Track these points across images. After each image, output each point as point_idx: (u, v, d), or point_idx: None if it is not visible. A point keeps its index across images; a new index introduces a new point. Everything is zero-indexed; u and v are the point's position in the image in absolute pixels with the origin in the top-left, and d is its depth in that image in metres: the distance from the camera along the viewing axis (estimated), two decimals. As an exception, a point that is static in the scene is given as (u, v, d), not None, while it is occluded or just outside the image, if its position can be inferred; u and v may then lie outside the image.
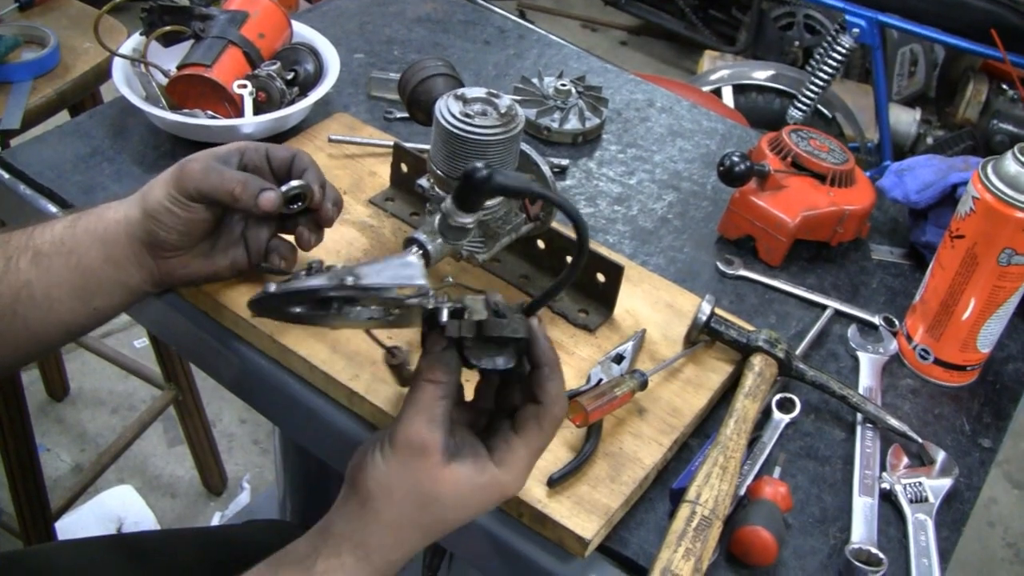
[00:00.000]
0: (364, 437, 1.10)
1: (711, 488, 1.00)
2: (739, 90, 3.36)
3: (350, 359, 1.12)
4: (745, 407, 1.11)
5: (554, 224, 1.21)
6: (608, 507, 1.01)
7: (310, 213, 1.13)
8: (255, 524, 1.66)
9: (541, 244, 1.24)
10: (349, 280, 0.89)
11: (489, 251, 1.15)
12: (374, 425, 1.10)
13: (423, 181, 1.18)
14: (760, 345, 1.18)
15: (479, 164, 0.93)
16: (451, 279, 1.21)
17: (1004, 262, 1.16)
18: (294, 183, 1.10)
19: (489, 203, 1.12)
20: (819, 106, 3.21)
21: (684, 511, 0.98)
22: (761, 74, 3.35)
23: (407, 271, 0.92)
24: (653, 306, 1.24)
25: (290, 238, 1.16)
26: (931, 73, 4.00)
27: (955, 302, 1.21)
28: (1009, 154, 1.16)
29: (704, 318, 1.18)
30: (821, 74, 3.04)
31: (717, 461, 1.03)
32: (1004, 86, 3.61)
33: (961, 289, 1.20)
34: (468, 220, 1.05)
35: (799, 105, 3.08)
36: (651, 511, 1.06)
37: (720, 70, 3.41)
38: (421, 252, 1.08)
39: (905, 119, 3.53)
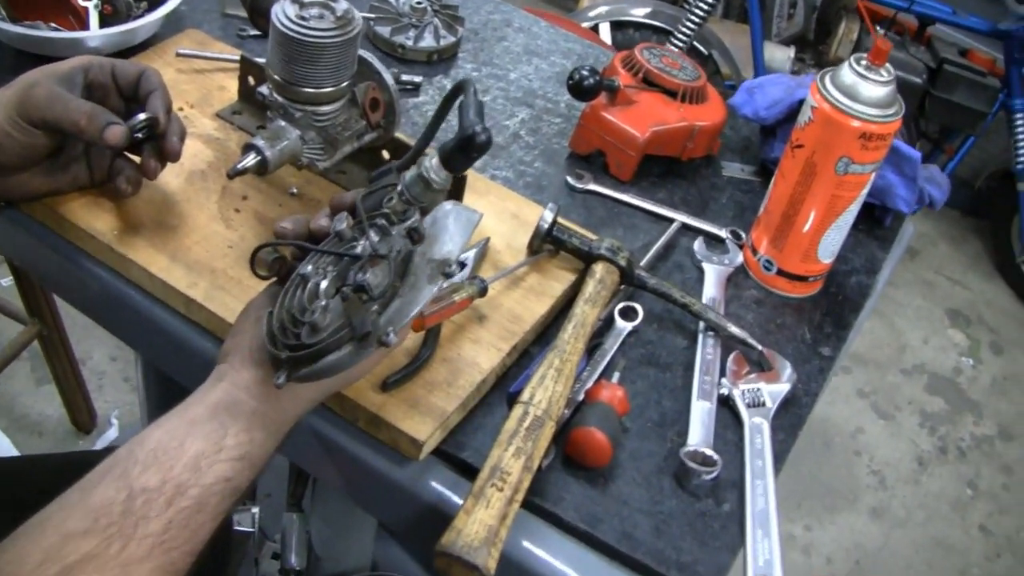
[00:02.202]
0: (203, 346, 1.08)
1: (545, 390, 1.00)
2: (617, 27, 3.36)
3: (189, 267, 1.09)
4: (584, 312, 1.11)
5: (398, 134, 1.20)
6: (444, 410, 1.01)
7: (155, 140, 1.10)
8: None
9: (386, 154, 1.22)
10: (453, 268, 0.88)
11: (330, 158, 1.13)
12: (211, 333, 1.07)
13: (263, 88, 1.15)
14: (602, 253, 1.18)
15: (480, 126, 0.91)
16: (295, 190, 1.19)
17: (841, 171, 1.18)
18: (141, 116, 1.08)
19: (327, 108, 1.10)
20: (696, 43, 3.22)
21: (517, 411, 0.98)
22: (639, 11, 3.35)
23: (470, 215, 0.94)
24: (498, 216, 1.24)
25: (135, 158, 1.13)
26: (810, 16, 4.03)
27: (796, 212, 1.23)
28: (846, 64, 1.17)
29: (546, 226, 1.18)
30: (697, 11, 3.05)
31: (552, 364, 1.03)
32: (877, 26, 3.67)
33: (801, 199, 1.22)
34: (446, 181, 0.98)
35: (675, 42, 3.09)
36: (489, 415, 1.06)
37: (598, 6, 3.40)
38: (259, 159, 1.06)
39: (780, 57, 3.56)
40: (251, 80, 1.31)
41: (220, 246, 1.12)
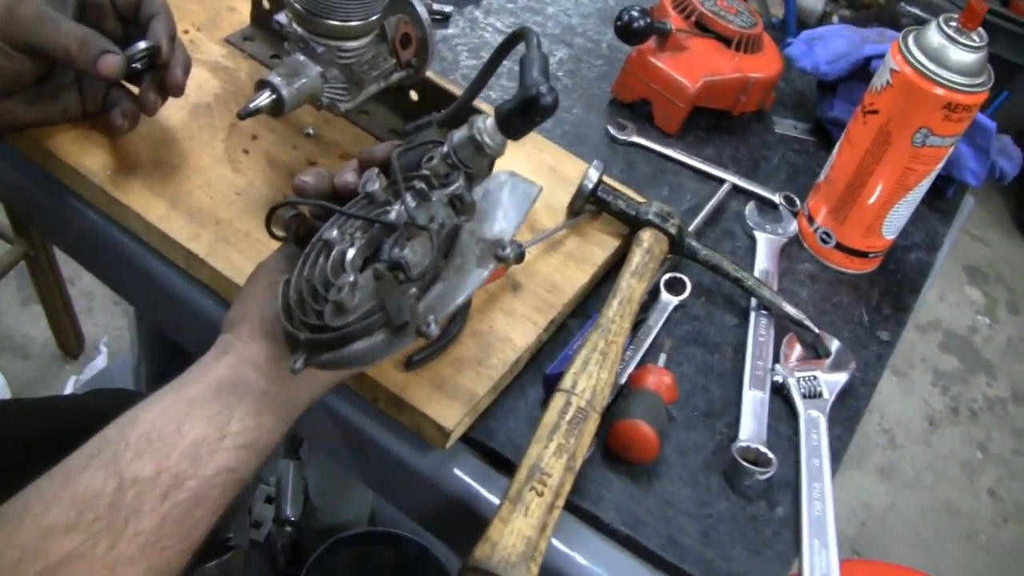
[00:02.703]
0: (204, 305, 0.96)
1: (589, 376, 0.89)
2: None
3: (191, 216, 0.97)
4: (631, 286, 1.00)
5: (429, 73, 1.07)
6: (473, 393, 0.90)
7: (156, 71, 0.98)
8: (99, 393, 1.54)
9: (414, 95, 1.10)
10: (508, 251, 0.77)
11: (353, 99, 1.00)
12: (216, 292, 0.96)
13: (281, 17, 1.03)
14: (650, 219, 1.07)
15: (545, 86, 0.78)
16: (312, 131, 1.08)
17: (919, 142, 1.07)
18: (141, 45, 0.95)
19: (353, 44, 0.97)
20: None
21: (558, 401, 0.87)
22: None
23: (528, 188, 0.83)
24: (535, 170, 1.12)
25: (134, 89, 1.01)
26: (842, -49, 3.88)
27: (863, 183, 1.11)
28: (933, 25, 1.05)
29: (591, 185, 1.06)
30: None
31: (597, 346, 0.92)
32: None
33: (870, 169, 1.10)
34: (501, 147, 0.86)
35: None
36: (522, 398, 0.96)
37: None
38: (274, 97, 0.94)
39: (811, -1, 3.42)
40: (266, 3, 1.18)
41: (226, 192, 1.00)
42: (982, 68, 1.04)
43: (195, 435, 0.73)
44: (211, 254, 0.95)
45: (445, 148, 0.82)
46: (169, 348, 1.89)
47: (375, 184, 0.78)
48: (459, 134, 0.83)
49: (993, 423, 3.15)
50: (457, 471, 0.91)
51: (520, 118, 0.80)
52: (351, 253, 0.75)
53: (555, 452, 0.83)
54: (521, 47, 0.85)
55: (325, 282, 0.74)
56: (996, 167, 1.29)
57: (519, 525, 0.78)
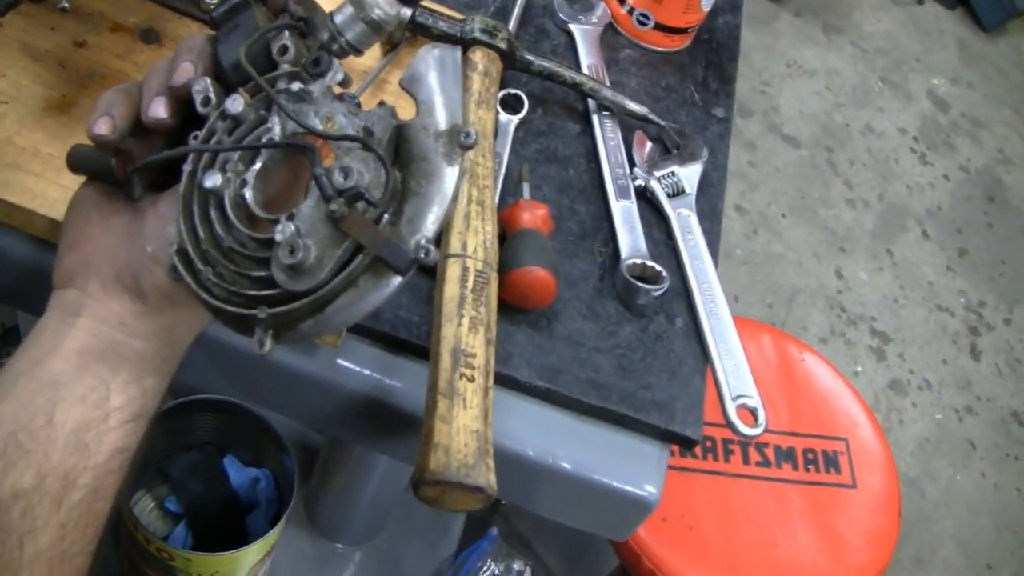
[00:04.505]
0: (8, 246, 0.80)
1: (475, 233, 0.81)
2: None
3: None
4: (481, 119, 0.91)
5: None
6: (352, 277, 0.80)
7: None
8: None
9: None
10: (471, 134, 0.62)
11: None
12: (11, 226, 0.80)
13: None
14: (477, 36, 0.96)
15: None
16: (67, 4, 0.90)
17: (734, -99, 1.00)
18: None
19: None
20: None
21: (454, 269, 0.78)
22: None
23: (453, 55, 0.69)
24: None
25: None
26: None
27: (680, -44, 1.04)
28: None
29: (409, 13, 0.94)
30: None
31: (472, 197, 0.83)
32: None
33: (689, -61, 1.03)
34: (396, 12, 0.72)
35: None
36: (395, 266, 0.86)
37: None
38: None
39: None
40: None
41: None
42: None
43: (73, 422, 0.61)
44: (1, 186, 0.78)
45: (325, 35, 0.69)
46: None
47: (239, 103, 0.64)
48: (342, 15, 0.69)
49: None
50: (351, 365, 0.82)
51: None
52: (249, 193, 0.62)
53: (470, 328, 0.75)
54: None
55: (240, 239, 0.61)
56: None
57: (463, 420, 0.70)
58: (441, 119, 0.63)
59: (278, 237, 0.57)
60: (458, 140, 0.61)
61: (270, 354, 0.58)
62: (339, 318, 0.58)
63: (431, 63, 0.66)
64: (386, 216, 0.58)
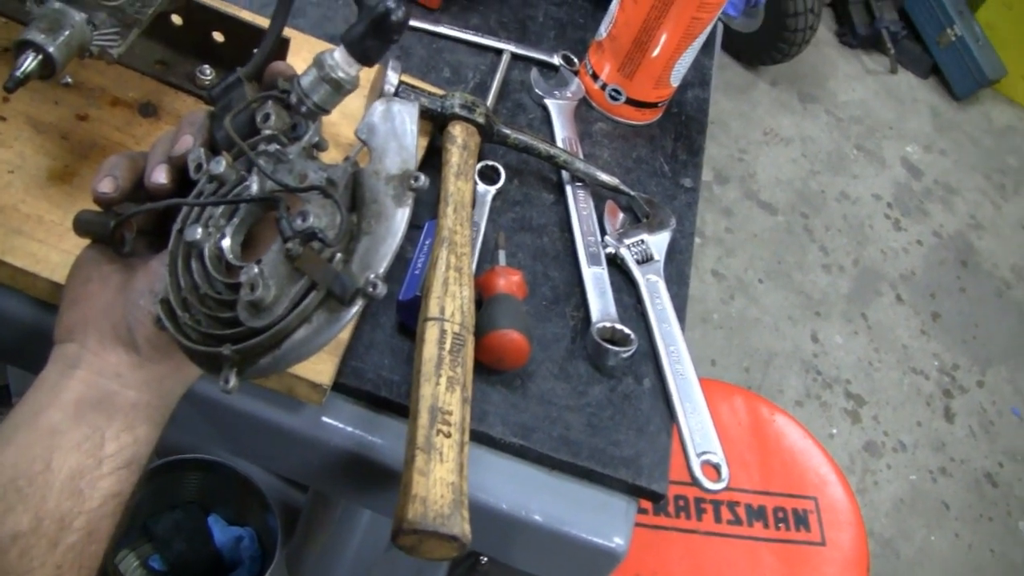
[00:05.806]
0: (12, 308, 0.85)
1: (453, 298, 0.86)
2: None
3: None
4: (460, 190, 0.96)
5: (189, -8, 0.97)
6: (338, 340, 0.85)
7: None
8: None
9: (177, 20, 0.99)
10: (421, 179, 0.68)
11: (126, 42, 0.89)
12: (14, 288, 0.84)
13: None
14: (457, 112, 1.02)
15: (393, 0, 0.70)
16: (69, 79, 0.95)
17: (704, -10, 1.06)
18: None
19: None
20: None
21: (432, 332, 0.83)
22: None
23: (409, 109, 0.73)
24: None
25: None
26: None
27: (650, 38, 1.10)
28: None
29: (392, 89, 1.00)
30: None
31: (450, 263, 0.88)
32: None
33: (657, 24, 1.09)
34: (357, 79, 0.77)
35: None
36: (377, 329, 0.91)
37: None
38: (40, 58, 0.81)
39: None
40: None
41: (-3, 171, 0.88)
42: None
43: (68, 468, 0.65)
44: (6, 251, 0.82)
45: (293, 98, 0.74)
46: None
47: (221, 164, 0.69)
48: (307, 78, 0.75)
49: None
50: (334, 422, 0.86)
51: (373, 41, 0.73)
52: (227, 242, 0.67)
53: (447, 387, 0.80)
54: None
55: (215, 285, 0.66)
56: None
57: (439, 473, 0.75)
58: (392, 164, 0.68)
59: (243, 278, 0.63)
60: (408, 184, 0.67)
61: (234, 391, 0.63)
62: (294, 353, 0.63)
63: (383, 114, 0.72)
64: (339, 255, 0.63)
